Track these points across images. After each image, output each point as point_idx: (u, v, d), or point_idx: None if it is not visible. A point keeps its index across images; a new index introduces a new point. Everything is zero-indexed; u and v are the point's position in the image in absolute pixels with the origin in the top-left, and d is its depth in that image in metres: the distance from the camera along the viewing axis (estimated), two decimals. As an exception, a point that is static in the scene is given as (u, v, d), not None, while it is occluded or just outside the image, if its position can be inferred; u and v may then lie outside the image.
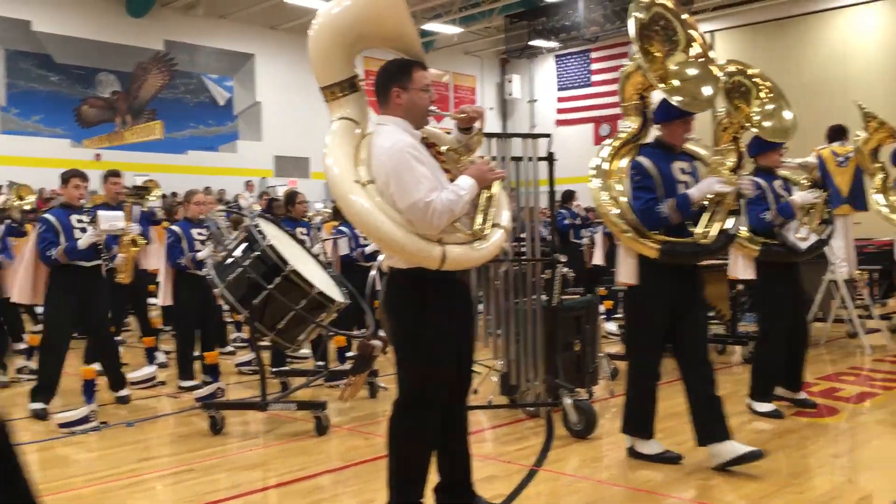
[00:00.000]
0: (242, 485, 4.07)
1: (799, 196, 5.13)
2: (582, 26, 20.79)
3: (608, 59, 22.88)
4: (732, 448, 4.02)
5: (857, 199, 7.72)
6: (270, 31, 20.02)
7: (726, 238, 4.19)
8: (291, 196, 7.57)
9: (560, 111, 24.10)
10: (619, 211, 4.19)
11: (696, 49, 4.23)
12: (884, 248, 8.99)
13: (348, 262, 7.74)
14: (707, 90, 4.16)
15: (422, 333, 3.10)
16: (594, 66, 23.30)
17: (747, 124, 4.90)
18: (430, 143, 3.20)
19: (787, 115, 5.04)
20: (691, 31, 4.25)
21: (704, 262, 6.96)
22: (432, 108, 3.21)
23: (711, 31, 20.34)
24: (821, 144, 7.99)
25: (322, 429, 4.96)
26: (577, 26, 20.93)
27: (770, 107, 5.06)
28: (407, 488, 3.20)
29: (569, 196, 12.25)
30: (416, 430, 3.18)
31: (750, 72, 5.14)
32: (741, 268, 5.18)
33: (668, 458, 4.18)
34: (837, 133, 8.03)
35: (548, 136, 5.32)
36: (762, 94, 5.08)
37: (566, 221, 11.55)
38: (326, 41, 3.20)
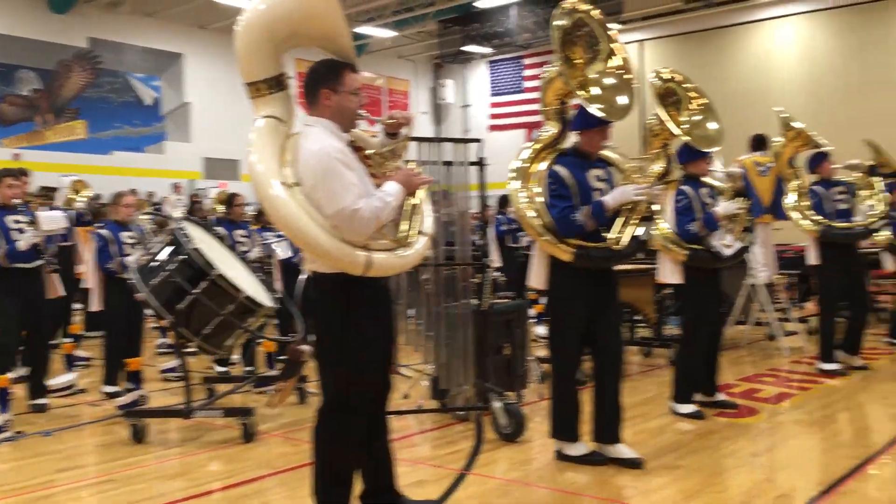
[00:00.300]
0: (165, 494, 3.97)
1: (722, 207, 5.27)
2: (515, 33, 20.98)
3: (541, 66, 23.11)
4: (619, 451, 4.25)
5: (778, 209, 7.99)
6: (200, 30, 19.62)
7: (637, 244, 4.29)
8: (230, 198, 7.44)
9: (493, 116, 24.27)
10: (535, 214, 4.24)
11: (616, 61, 4.32)
12: (801, 253, 9.32)
13: (291, 265, 7.62)
14: (623, 99, 4.25)
15: (347, 339, 3.07)
16: (527, 73, 23.55)
17: (677, 132, 5.04)
18: (357, 147, 3.17)
19: (713, 125, 5.20)
20: (613, 45, 4.34)
21: (630, 268, 7.17)
22: (362, 111, 3.18)
23: (640, 41, 20.80)
24: (744, 153, 8.26)
25: (249, 436, 4.88)
26: (510, 33, 21.10)
27: (698, 117, 5.22)
28: (332, 495, 3.17)
29: (505, 201, 12.33)
30: (341, 436, 3.15)
31: (686, 85, 5.29)
32: (669, 272, 5.30)
33: (594, 460, 4.24)
34: (759, 143, 8.31)
35: (479, 140, 5.35)
36: (693, 105, 5.23)
37: (502, 227, 11.64)
38: (254, 36, 3.12)
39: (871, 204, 6.84)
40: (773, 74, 19.12)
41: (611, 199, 4.17)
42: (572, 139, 4.42)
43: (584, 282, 4.23)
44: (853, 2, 18.35)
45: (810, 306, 10.61)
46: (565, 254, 4.16)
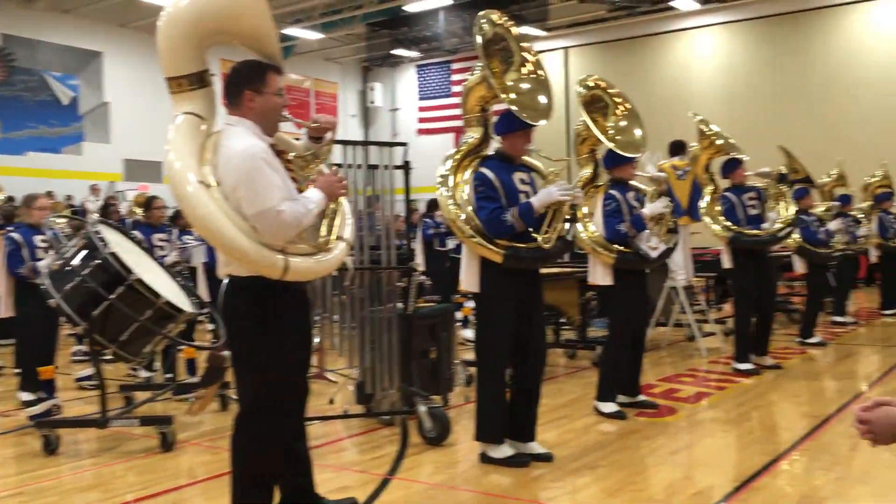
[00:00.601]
0: (78, 507, 3.84)
1: (648, 208, 5.40)
2: (443, 37, 21.09)
3: (468, 71, 23.08)
4: (532, 448, 4.37)
5: (695, 211, 8.23)
6: (120, 28, 19.07)
7: (564, 244, 4.41)
8: (148, 201, 7.25)
9: (421, 120, 24.33)
10: (465, 217, 4.28)
11: (528, 67, 4.43)
12: (718, 256, 9.61)
13: (213, 269, 7.48)
14: (543, 100, 4.37)
15: (264, 343, 3.02)
16: (455, 77, 23.67)
17: (602, 139, 5.17)
18: (279, 151, 3.13)
19: (637, 131, 5.35)
20: (524, 54, 4.44)
21: (555, 270, 7.27)
22: (287, 114, 3.14)
23: (565, 48, 21.17)
24: (664, 158, 8.47)
25: (168, 444, 4.75)
26: (438, 37, 21.20)
27: (623, 123, 5.36)
28: (251, 497, 3.12)
29: (434, 205, 12.37)
30: (260, 439, 3.11)
31: (611, 91, 5.43)
32: (600, 275, 5.39)
33: (519, 462, 4.28)
34: (677, 148, 8.55)
35: (404, 144, 5.35)
36: (619, 111, 5.38)
37: (430, 231, 11.66)
38: (178, 30, 3.05)
39: (779, 210, 7.11)
40: (693, 82, 19.72)
41: (537, 200, 4.25)
42: (494, 145, 4.48)
43: (514, 283, 4.29)
44: (769, 14, 19.06)
45: (727, 308, 10.96)
46: (495, 255, 4.20)
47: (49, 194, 13.34)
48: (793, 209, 7.22)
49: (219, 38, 3.12)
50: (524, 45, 4.46)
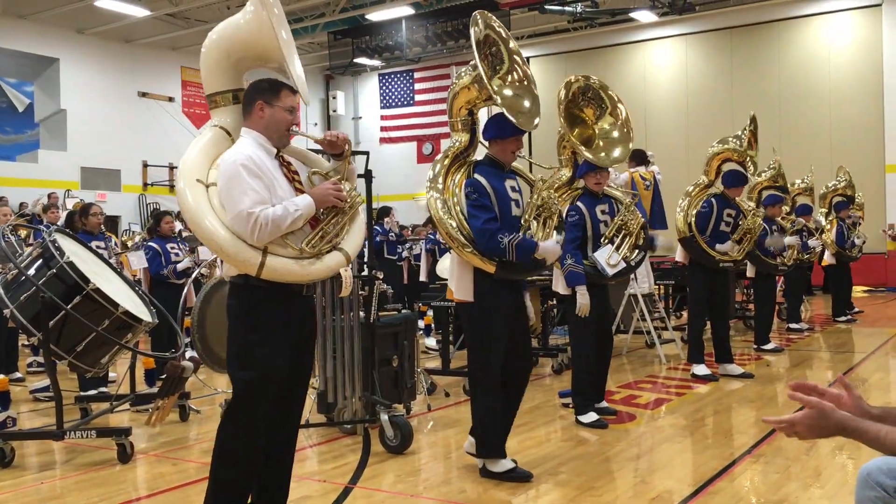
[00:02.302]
0: (33, 521, 3.77)
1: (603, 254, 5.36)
2: (405, 46, 21.13)
3: (431, 80, 23.37)
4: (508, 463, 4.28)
5: (656, 218, 8.37)
6: (77, 34, 18.78)
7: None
8: (84, 208, 7.14)
9: (384, 129, 24.33)
10: (456, 224, 4.17)
11: (517, 75, 4.38)
12: (676, 264, 9.76)
13: (160, 280, 7.43)
14: (528, 104, 4.32)
15: (251, 342, 3.10)
16: (418, 86, 23.73)
17: (579, 148, 5.22)
18: (285, 162, 3.26)
19: (617, 151, 5.38)
20: (515, 56, 4.41)
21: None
22: (295, 129, 3.28)
23: (527, 58, 21.30)
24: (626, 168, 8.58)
25: (125, 456, 4.69)
26: (400, 46, 21.24)
27: (616, 134, 5.40)
28: (230, 473, 3.16)
29: (384, 213, 12.39)
30: (231, 444, 3.14)
31: (610, 92, 5.49)
32: (562, 284, 5.41)
33: (519, 476, 4.19)
34: (640, 158, 8.67)
35: (366, 153, 5.35)
36: (613, 119, 5.42)
37: (378, 238, 11.68)
38: (212, 55, 3.36)
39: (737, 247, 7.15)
40: (652, 92, 20.04)
41: (543, 250, 4.14)
42: (481, 150, 4.40)
43: (508, 291, 4.22)
44: (725, 26, 19.44)
45: (685, 315, 11.13)
46: (489, 266, 4.10)
47: (1, 200, 13.10)
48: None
49: (250, 63, 3.40)
50: (513, 45, 4.39)
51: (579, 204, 5.40)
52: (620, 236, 5.48)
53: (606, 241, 5.43)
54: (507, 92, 4.31)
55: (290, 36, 3.43)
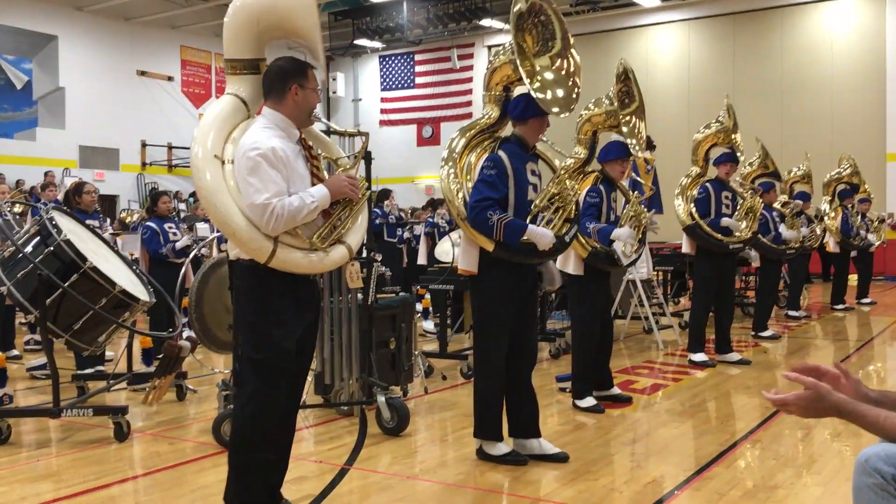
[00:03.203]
0: (29, 497, 3.77)
1: (623, 232, 5.31)
2: (406, 28, 21.02)
3: (432, 62, 23.27)
4: (542, 446, 4.25)
5: (654, 202, 8.35)
6: (76, 11, 18.66)
7: (560, 244, 4.22)
8: (78, 187, 7.11)
9: (384, 111, 24.24)
10: (464, 195, 4.12)
11: (569, 63, 4.24)
12: (676, 250, 9.76)
13: (158, 259, 7.42)
14: (562, 92, 4.17)
15: (266, 324, 3.10)
16: (418, 69, 23.62)
17: (625, 129, 5.17)
18: (307, 145, 3.24)
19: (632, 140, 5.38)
20: (570, 49, 4.26)
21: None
22: (317, 114, 3.29)
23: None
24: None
25: (122, 435, 4.69)
26: (401, 28, 21.13)
27: (631, 124, 5.37)
28: (249, 488, 3.16)
29: (384, 195, 12.36)
30: (261, 420, 3.14)
31: (637, 87, 5.48)
32: (572, 264, 5.40)
33: (515, 460, 4.17)
34: (646, 142, 8.63)
35: (365, 134, 5.31)
36: (632, 109, 5.41)
37: (377, 221, 11.66)
38: (240, 18, 3.26)
39: (743, 223, 7.18)
40: (654, 77, 19.94)
41: (531, 233, 4.02)
42: (509, 128, 4.31)
43: (515, 269, 4.13)
44: (729, 11, 19.34)
45: (683, 301, 11.14)
46: (488, 243, 4.03)
47: None
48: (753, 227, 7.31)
49: (277, 34, 3.32)
50: (569, 40, 4.26)
51: (601, 187, 5.40)
52: (633, 228, 5.48)
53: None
54: (550, 76, 4.16)
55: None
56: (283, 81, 3.16)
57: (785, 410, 2.06)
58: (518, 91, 4.31)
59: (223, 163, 3.08)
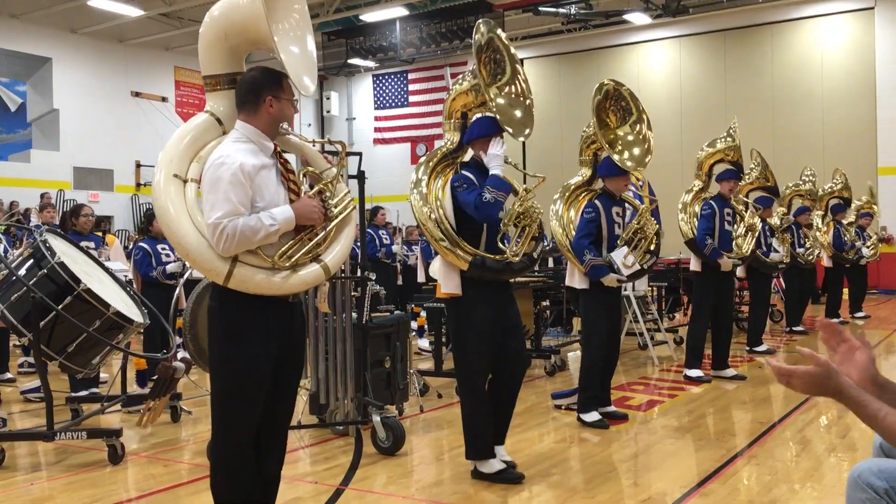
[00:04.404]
0: (22, 523, 3.75)
1: (620, 256, 5.36)
2: (399, 47, 21.12)
3: (425, 81, 23.38)
4: (499, 452, 4.32)
5: (654, 214, 8.36)
6: (70, 34, 18.72)
7: (529, 261, 4.31)
8: (76, 209, 7.11)
9: (378, 130, 24.31)
10: (436, 217, 4.20)
11: (516, 88, 4.39)
12: (670, 266, 9.78)
13: (150, 280, 7.41)
14: (518, 113, 4.34)
15: (228, 350, 3.01)
16: (412, 87, 23.71)
17: (607, 149, 5.26)
18: (283, 160, 3.11)
19: (637, 150, 5.44)
20: (518, 69, 4.41)
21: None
22: (285, 126, 3.16)
23: (521, 60, 21.32)
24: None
25: (116, 457, 4.67)
26: (394, 47, 21.23)
27: (630, 138, 5.46)
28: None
29: (374, 213, 12.37)
30: (220, 467, 3.11)
31: (637, 102, 5.57)
32: (577, 279, 5.43)
33: (509, 478, 4.17)
34: None
35: (359, 154, 5.35)
36: (633, 122, 5.49)
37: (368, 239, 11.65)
38: (211, 34, 3.20)
39: (740, 242, 7.26)
40: (646, 94, 19.97)
41: (497, 168, 4.11)
42: (470, 152, 4.40)
43: (489, 288, 4.21)
44: (719, 28, 19.48)
45: (678, 317, 11.14)
46: (461, 261, 4.12)
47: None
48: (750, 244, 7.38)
49: (246, 46, 3.24)
50: (518, 70, 4.41)
51: (596, 202, 5.42)
52: (636, 239, 5.52)
53: (623, 242, 5.46)
54: (501, 101, 4.34)
55: (304, 15, 3.26)
56: (257, 93, 3.03)
57: (786, 382, 1.98)
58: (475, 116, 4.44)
59: (185, 182, 3.00)
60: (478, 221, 4.15)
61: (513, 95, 4.40)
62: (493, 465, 4.22)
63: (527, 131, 4.34)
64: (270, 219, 2.90)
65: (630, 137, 5.46)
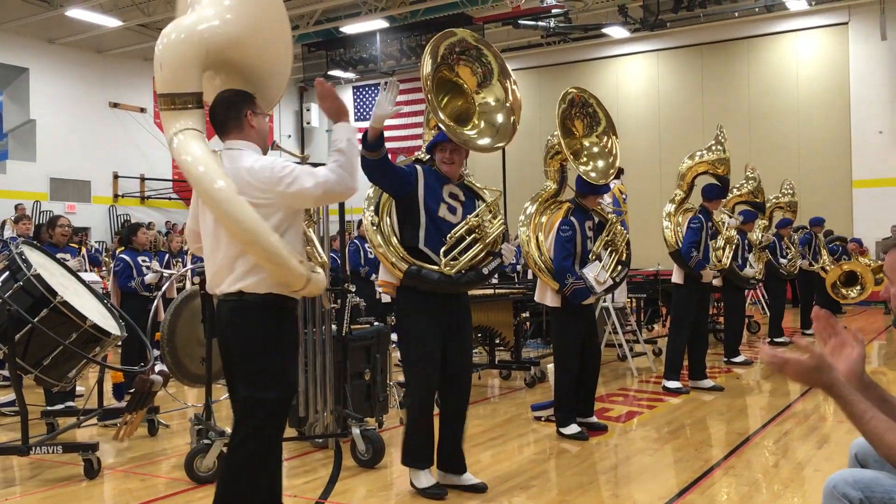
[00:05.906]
0: (-4, 539, 3.70)
1: (592, 272, 5.34)
2: (379, 59, 21.16)
3: (406, 93, 23.39)
4: (466, 479, 4.24)
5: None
6: (48, 44, 18.58)
7: (477, 276, 4.18)
8: (52, 220, 7.07)
9: (358, 141, 24.26)
10: (375, 227, 4.25)
11: (494, 96, 4.43)
12: (649, 277, 9.84)
13: (129, 292, 7.35)
14: (500, 118, 4.37)
15: (280, 363, 3.02)
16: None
17: (575, 163, 5.24)
18: None
19: (601, 163, 5.42)
20: (505, 80, 4.43)
21: (489, 292, 7.31)
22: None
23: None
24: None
25: (92, 472, 4.61)
26: (375, 59, 21.27)
27: (595, 150, 5.45)
28: None
29: (360, 224, 12.36)
30: (261, 457, 3.04)
31: (603, 110, 5.57)
32: (550, 297, 5.43)
33: (434, 494, 4.11)
34: (617, 172, 8.74)
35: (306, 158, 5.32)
36: (600, 133, 5.48)
37: (352, 249, 11.63)
38: (191, 51, 3.04)
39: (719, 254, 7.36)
40: (624, 107, 20.21)
41: (373, 119, 4.16)
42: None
43: (433, 299, 4.12)
44: (697, 42, 19.71)
45: (657, 328, 11.21)
46: (397, 272, 4.09)
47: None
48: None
49: (226, 75, 3.20)
50: (508, 79, 4.43)
51: (572, 219, 5.39)
52: (607, 252, 5.51)
53: (594, 257, 5.45)
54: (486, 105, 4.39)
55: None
56: (238, 110, 3.08)
57: (779, 369, 2.00)
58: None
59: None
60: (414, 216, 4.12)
61: (490, 101, 4.41)
62: (421, 480, 4.16)
63: (487, 140, 4.32)
64: (340, 141, 3.16)
65: (595, 149, 5.40)
